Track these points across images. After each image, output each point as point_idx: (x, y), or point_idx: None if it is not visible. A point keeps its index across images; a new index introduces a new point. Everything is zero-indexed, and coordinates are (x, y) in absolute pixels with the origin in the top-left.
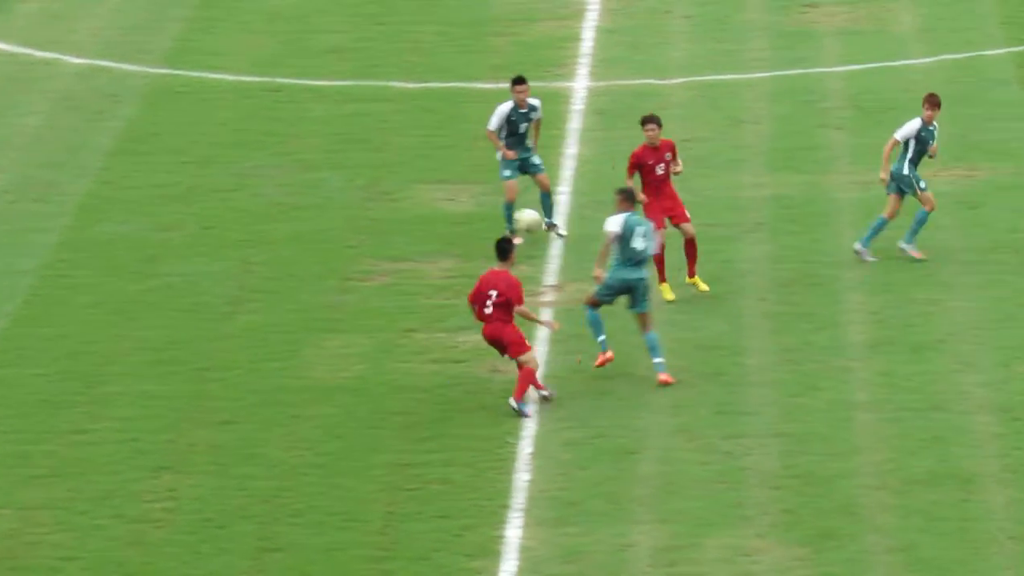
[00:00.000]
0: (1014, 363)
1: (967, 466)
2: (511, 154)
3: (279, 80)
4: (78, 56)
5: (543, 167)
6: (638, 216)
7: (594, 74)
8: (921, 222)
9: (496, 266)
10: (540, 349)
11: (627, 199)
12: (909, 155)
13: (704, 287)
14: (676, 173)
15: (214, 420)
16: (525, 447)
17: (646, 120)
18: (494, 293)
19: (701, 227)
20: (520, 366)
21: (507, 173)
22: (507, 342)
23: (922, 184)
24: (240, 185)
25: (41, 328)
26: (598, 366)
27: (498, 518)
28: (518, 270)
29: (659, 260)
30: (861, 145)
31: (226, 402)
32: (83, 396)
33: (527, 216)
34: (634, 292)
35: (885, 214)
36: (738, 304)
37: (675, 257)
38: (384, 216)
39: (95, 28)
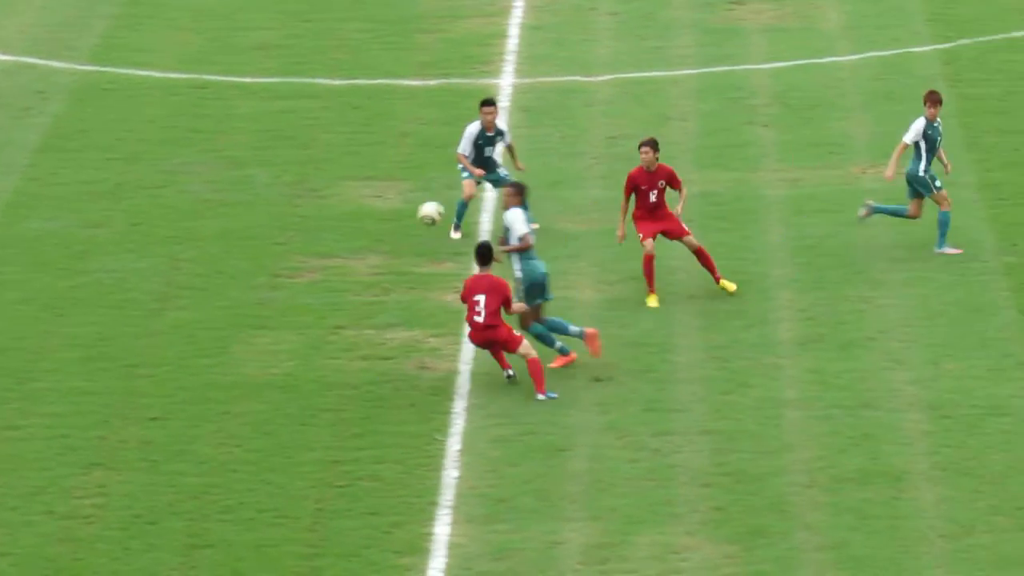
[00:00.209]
0: (943, 360)
1: (897, 464)
2: (479, 172)
3: (206, 77)
4: (5, 53)
5: (509, 179)
6: (527, 210)
7: (520, 71)
8: (944, 224)
9: (479, 271)
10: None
11: (519, 192)
12: (922, 156)
13: (732, 287)
14: (677, 214)
15: (144, 416)
16: (454, 444)
17: (641, 144)
18: (482, 299)
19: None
20: (526, 359)
21: (466, 173)
22: (503, 342)
23: (938, 183)
24: (168, 182)
25: None
26: (561, 366)
27: (427, 515)
28: (445, 267)
29: (709, 260)
30: (788, 142)
31: (156, 399)
32: (13, 392)
33: (426, 208)
34: (546, 282)
35: (909, 214)
36: (667, 301)
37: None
38: (312, 213)
39: (22, 25)
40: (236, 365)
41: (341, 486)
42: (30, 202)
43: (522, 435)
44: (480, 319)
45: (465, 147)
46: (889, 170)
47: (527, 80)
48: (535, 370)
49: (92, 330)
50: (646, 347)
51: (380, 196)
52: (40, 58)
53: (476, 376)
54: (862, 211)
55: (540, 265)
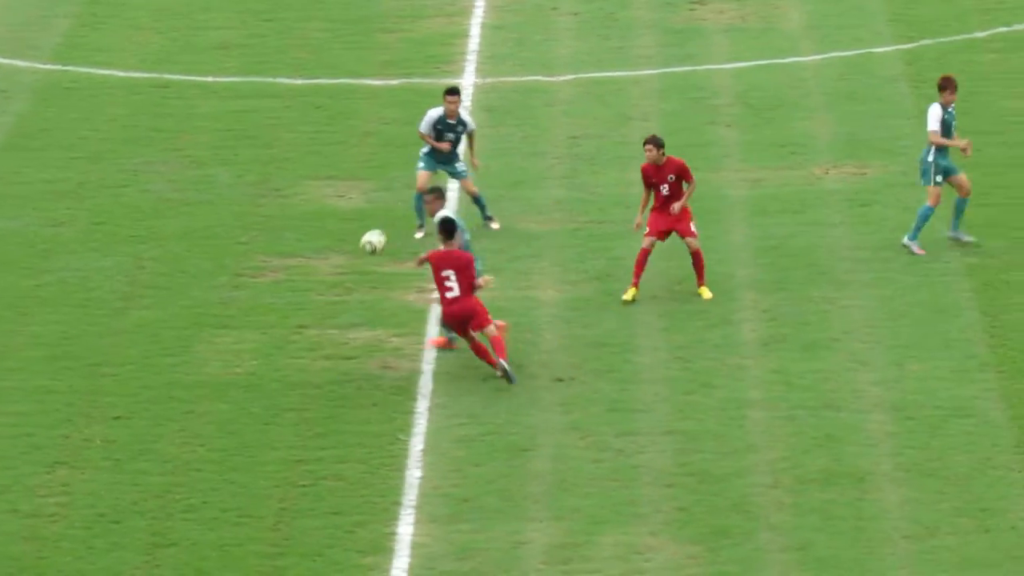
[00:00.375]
0: (907, 361)
1: (861, 465)
2: (445, 146)
3: (167, 76)
4: None
5: (465, 173)
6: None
7: (481, 71)
8: (924, 218)
9: (444, 246)
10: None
11: (440, 197)
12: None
13: (708, 295)
14: (673, 211)
15: (108, 416)
16: (417, 444)
17: (645, 141)
18: (452, 274)
19: (590, 224)
20: (489, 336)
21: (421, 164)
22: (477, 313)
23: (938, 178)
24: (130, 181)
25: None
26: (439, 346)
27: (391, 515)
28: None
29: (701, 264)
30: (751, 142)
31: (120, 398)
32: None
33: (370, 235)
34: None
35: (961, 194)
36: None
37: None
38: (274, 212)
39: None
40: (199, 364)
41: (304, 485)
42: None
43: (485, 435)
44: (454, 294)
45: (424, 128)
46: (961, 143)
47: (489, 80)
48: (499, 342)
49: (56, 329)
50: (609, 347)
51: (342, 196)
52: (2, 57)
53: (439, 376)
54: (959, 239)
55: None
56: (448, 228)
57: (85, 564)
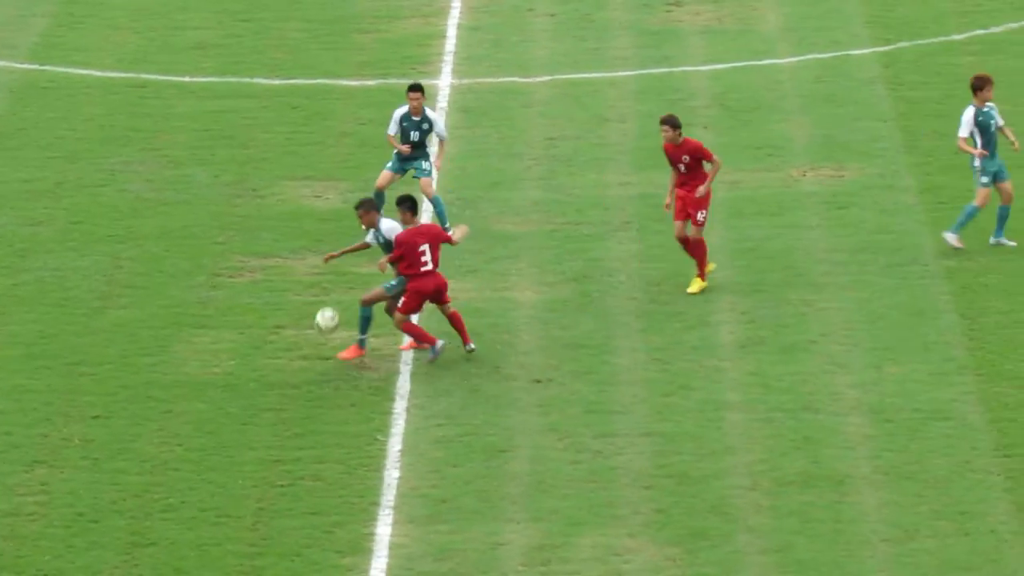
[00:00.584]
0: (885, 364)
1: (839, 468)
2: (405, 149)
3: (144, 76)
4: None
5: (428, 172)
6: (390, 218)
7: (458, 72)
8: (970, 215)
9: (411, 222)
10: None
11: (372, 208)
12: (976, 145)
13: (693, 288)
14: (698, 194)
15: (86, 415)
16: (395, 444)
17: (660, 120)
18: (427, 247)
19: (567, 225)
20: (449, 313)
21: (388, 164)
22: (446, 286)
23: (984, 179)
24: (108, 181)
25: None
26: (344, 358)
27: (369, 515)
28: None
29: (698, 254)
30: (727, 144)
31: (98, 397)
32: None
33: (320, 320)
34: None
35: (1002, 201)
36: (607, 303)
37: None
38: (251, 213)
39: None
40: (177, 364)
41: (283, 485)
42: None
43: (463, 436)
44: (428, 268)
45: (391, 128)
46: (976, 151)
47: (465, 81)
48: (458, 317)
49: (33, 328)
50: (586, 348)
51: (319, 196)
52: None
53: (416, 376)
54: (1000, 244)
55: None
56: (411, 203)
57: (64, 563)
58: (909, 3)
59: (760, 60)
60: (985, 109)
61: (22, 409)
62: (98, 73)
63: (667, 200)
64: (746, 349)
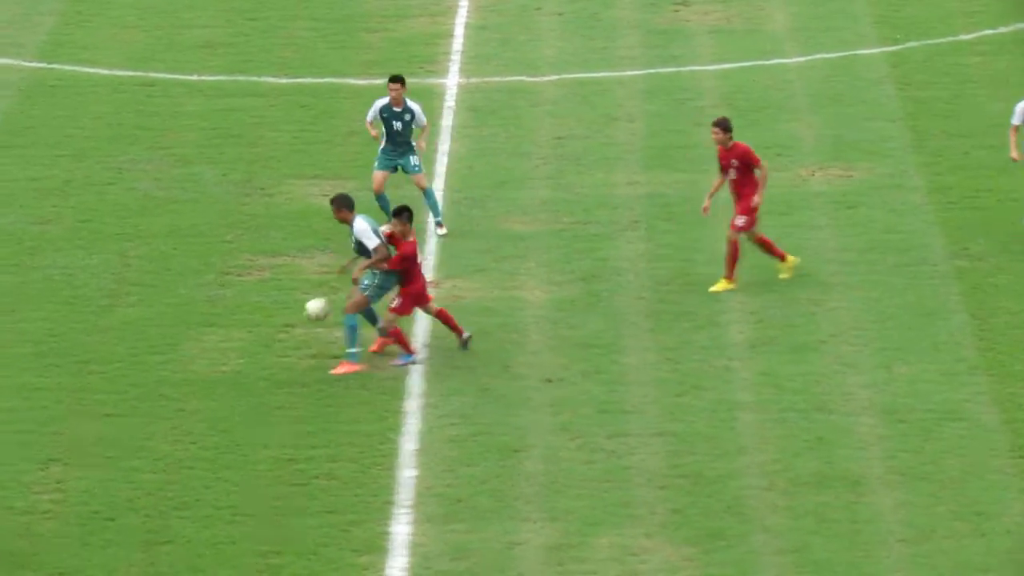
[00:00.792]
0: (895, 364)
1: (854, 468)
2: (374, 133)
3: (152, 75)
4: None
5: (419, 168)
6: (366, 216)
7: (466, 71)
8: None
9: (408, 235)
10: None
11: (342, 206)
12: None
13: (715, 288)
14: (753, 204)
15: (99, 413)
16: (408, 443)
17: (712, 123)
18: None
19: (576, 225)
20: (436, 309)
21: (376, 164)
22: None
23: None
24: (116, 179)
25: None
26: (339, 374)
27: (385, 514)
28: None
29: (766, 246)
30: None
31: (109, 395)
32: None
33: (312, 307)
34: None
35: None
36: (616, 302)
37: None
38: (260, 211)
39: None
40: (187, 362)
41: (297, 484)
42: None
43: (476, 435)
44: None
45: (370, 115)
46: (1013, 152)
47: (473, 80)
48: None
49: (43, 326)
50: (596, 348)
51: (327, 195)
52: None
53: (428, 375)
54: None
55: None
56: (409, 214)
57: (80, 561)
58: (917, 3)
59: (768, 60)
60: None
61: (33, 407)
62: (106, 71)
63: (705, 203)
64: (756, 349)
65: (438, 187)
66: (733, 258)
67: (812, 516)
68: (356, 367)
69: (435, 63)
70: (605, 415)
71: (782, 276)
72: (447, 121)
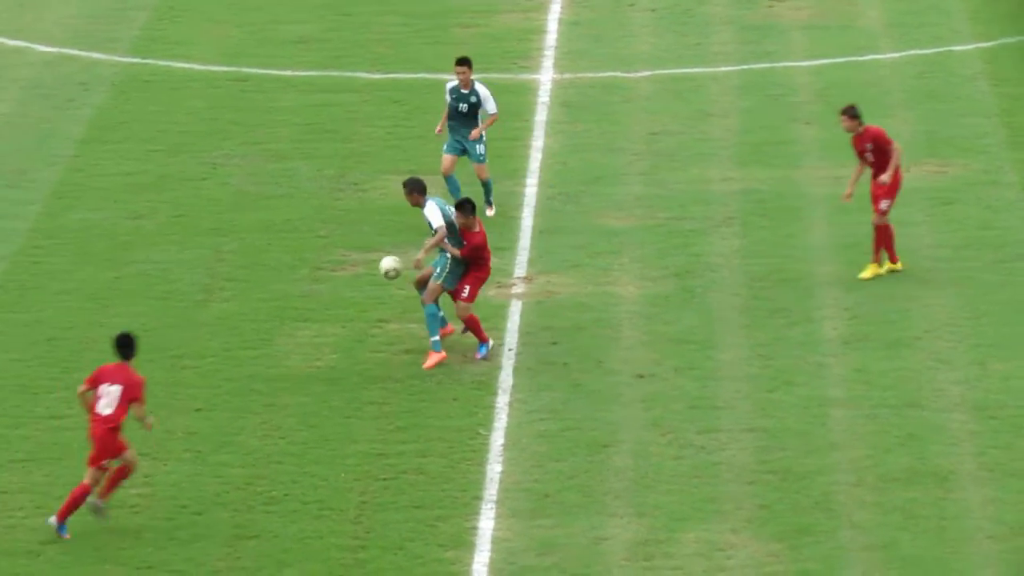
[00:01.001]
0: (989, 361)
1: (944, 464)
2: (437, 129)
3: (246, 70)
4: (46, 44)
5: (483, 158)
6: (439, 199)
7: (559, 66)
8: None
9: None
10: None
11: (414, 189)
12: None
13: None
14: (881, 182)
15: (189, 407)
16: (497, 439)
17: (840, 111)
18: None
19: (670, 220)
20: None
21: (444, 147)
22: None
23: None
24: (210, 174)
25: (16, 314)
26: (431, 367)
27: (472, 509)
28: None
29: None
30: (830, 139)
31: (201, 390)
32: (59, 382)
33: (385, 263)
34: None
35: None
36: (709, 298)
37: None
38: (353, 206)
39: (62, 17)
40: (280, 357)
41: (386, 479)
42: (74, 193)
43: (565, 430)
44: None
45: (447, 97)
46: None
47: (567, 76)
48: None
49: (137, 321)
50: (689, 344)
51: None
52: (81, 49)
53: (518, 371)
54: None
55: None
56: (472, 207)
57: (168, 555)
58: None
59: (862, 56)
60: None
61: None
62: (200, 67)
63: (847, 191)
64: (850, 345)
65: (531, 183)
66: (880, 242)
67: (900, 512)
68: (443, 355)
69: (528, 59)
70: (696, 411)
71: (862, 275)
72: (541, 117)
